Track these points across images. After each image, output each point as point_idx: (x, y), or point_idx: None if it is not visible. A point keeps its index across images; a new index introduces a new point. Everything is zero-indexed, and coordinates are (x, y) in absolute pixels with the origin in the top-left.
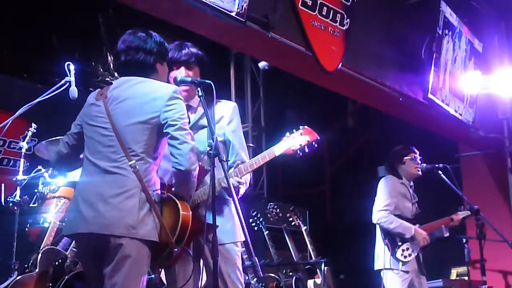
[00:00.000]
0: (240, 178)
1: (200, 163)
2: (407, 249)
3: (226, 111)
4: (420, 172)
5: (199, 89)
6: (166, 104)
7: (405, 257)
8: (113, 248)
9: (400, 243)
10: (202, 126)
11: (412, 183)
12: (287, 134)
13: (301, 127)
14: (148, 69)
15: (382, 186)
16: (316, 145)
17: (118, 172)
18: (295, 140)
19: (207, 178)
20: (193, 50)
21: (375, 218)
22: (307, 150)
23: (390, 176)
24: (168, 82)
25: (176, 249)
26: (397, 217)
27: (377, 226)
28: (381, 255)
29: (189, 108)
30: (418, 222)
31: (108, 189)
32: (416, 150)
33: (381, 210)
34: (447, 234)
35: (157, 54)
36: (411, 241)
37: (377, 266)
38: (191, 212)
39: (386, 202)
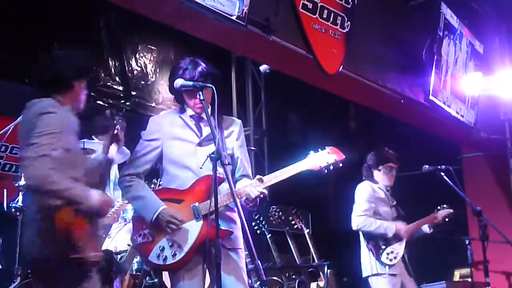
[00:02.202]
0: (263, 188)
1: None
2: (392, 252)
3: (235, 127)
4: (390, 183)
5: (200, 93)
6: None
7: (390, 260)
8: None
9: (384, 247)
10: (209, 139)
11: (389, 188)
12: (312, 152)
13: (327, 146)
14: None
15: (359, 192)
16: (341, 165)
17: None
18: (323, 158)
19: (221, 188)
20: (208, 69)
21: (354, 224)
22: (331, 168)
23: (367, 182)
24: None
25: None
26: None
27: (360, 234)
28: (367, 261)
29: (200, 120)
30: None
31: None
32: (395, 161)
33: (359, 216)
34: (430, 231)
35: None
36: (395, 242)
37: (364, 274)
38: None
39: (365, 207)
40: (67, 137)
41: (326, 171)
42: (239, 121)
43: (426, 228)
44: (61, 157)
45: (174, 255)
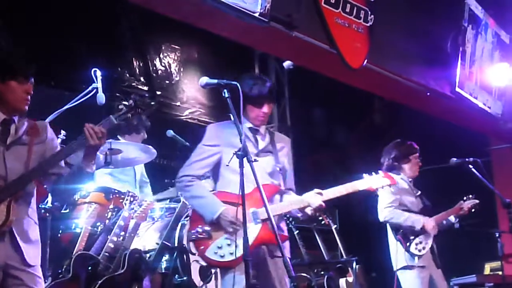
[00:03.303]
0: (321, 201)
1: (270, 182)
2: (420, 242)
3: (285, 144)
4: (418, 173)
5: (225, 90)
6: None
7: (419, 250)
8: None
9: (412, 237)
10: (268, 150)
11: (411, 179)
12: (366, 175)
13: (380, 171)
14: None
15: None
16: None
17: None
18: (377, 181)
19: (276, 198)
20: (272, 85)
21: (381, 217)
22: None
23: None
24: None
25: None
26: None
27: (387, 226)
28: (395, 254)
29: (257, 132)
30: (427, 215)
31: None
32: (419, 152)
33: (386, 207)
34: (456, 224)
35: None
36: (423, 234)
37: (394, 267)
38: None
39: (390, 199)
40: None
41: (377, 191)
42: (288, 139)
43: (452, 219)
44: None
45: (231, 253)
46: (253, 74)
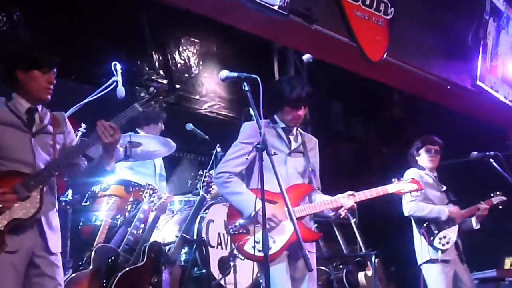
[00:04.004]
0: (354, 202)
1: (301, 182)
2: (444, 237)
3: (314, 144)
4: (432, 165)
5: (245, 83)
6: None
7: (443, 245)
8: None
9: (436, 231)
10: (299, 151)
11: (436, 173)
12: (395, 179)
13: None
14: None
15: None
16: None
17: None
18: (406, 186)
19: (310, 198)
20: (309, 89)
21: (406, 210)
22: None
23: (413, 168)
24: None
25: None
26: None
27: (412, 220)
28: (419, 247)
29: (289, 132)
30: None
31: None
32: (435, 142)
33: (410, 201)
34: (477, 227)
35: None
36: (447, 227)
37: (419, 261)
38: None
39: (414, 193)
40: None
41: (404, 195)
42: (315, 139)
43: (473, 223)
44: None
45: (269, 248)
46: (293, 76)
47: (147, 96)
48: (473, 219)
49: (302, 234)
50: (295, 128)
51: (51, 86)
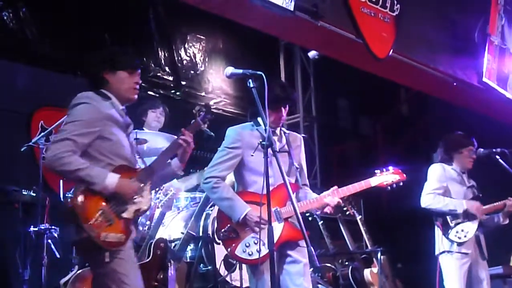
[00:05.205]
0: (339, 199)
1: (290, 181)
2: (462, 230)
3: (300, 142)
4: (471, 166)
5: (250, 80)
6: None
7: (459, 238)
8: None
9: (453, 225)
10: (284, 150)
11: (465, 170)
12: (378, 171)
13: (390, 167)
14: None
15: (430, 172)
16: (402, 184)
17: None
18: (388, 177)
19: (300, 195)
20: (290, 90)
21: (423, 202)
22: (394, 186)
23: (439, 163)
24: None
25: None
26: None
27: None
28: (437, 238)
29: (273, 134)
30: None
31: None
32: (475, 143)
33: (428, 194)
34: (505, 222)
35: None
36: (466, 220)
37: (436, 251)
38: None
39: (434, 186)
40: (104, 126)
41: (389, 188)
42: (301, 137)
43: (500, 218)
44: (95, 144)
45: (259, 251)
46: (272, 79)
47: (203, 110)
48: (501, 215)
49: (290, 234)
50: (278, 129)
51: (137, 87)
